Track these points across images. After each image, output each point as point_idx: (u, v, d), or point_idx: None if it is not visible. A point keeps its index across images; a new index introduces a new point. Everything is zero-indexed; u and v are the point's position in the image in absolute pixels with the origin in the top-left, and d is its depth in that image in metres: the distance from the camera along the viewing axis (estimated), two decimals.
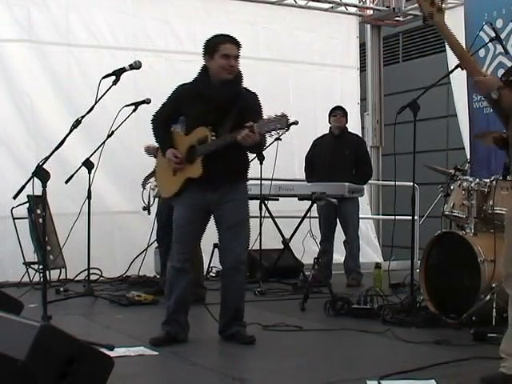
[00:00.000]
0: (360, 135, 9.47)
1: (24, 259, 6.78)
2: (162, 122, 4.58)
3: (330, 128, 7.57)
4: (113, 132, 6.18)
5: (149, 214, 6.75)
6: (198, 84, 4.49)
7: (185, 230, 4.45)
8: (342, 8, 9.70)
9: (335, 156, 7.30)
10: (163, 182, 4.75)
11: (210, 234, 4.75)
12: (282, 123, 4.09)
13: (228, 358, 4.21)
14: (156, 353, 4.15)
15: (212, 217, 4.53)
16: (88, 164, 6.15)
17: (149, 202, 6.64)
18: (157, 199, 6.58)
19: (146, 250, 7.37)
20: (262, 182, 6.76)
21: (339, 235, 7.57)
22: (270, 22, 9.12)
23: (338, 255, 7.81)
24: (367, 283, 6.50)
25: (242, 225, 4.47)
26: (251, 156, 4.76)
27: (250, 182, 5.11)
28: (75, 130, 4.84)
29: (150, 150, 6.29)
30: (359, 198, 7.47)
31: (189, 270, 4.50)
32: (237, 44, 4.42)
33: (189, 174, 4.42)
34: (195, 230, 4.50)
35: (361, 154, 7.54)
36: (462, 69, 5.29)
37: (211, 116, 4.36)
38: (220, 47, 4.36)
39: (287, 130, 7.27)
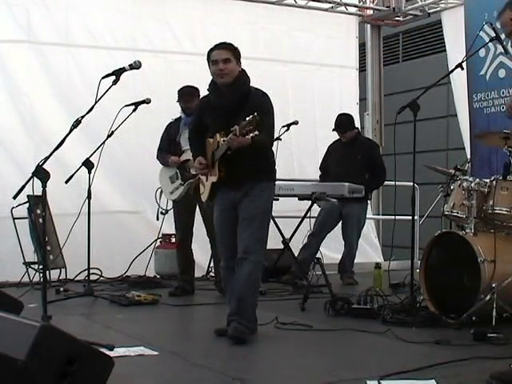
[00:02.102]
0: None
1: (24, 259, 6.77)
2: (195, 133, 4.91)
3: None
4: (113, 132, 6.17)
5: (157, 220, 6.95)
6: (209, 94, 4.72)
7: (220, 229, 4.69)
8: (342, 8, 9.69)
9: (347, 160, 7.32)
10: (203, 188, 4.88)
11: None
12: (253, 124, 4.18)
13: (228, 357, 4.21)
14: (156, 353, 4.14)
15: None
16: (88, 164, 6.14)
17: (158, 208, 6.85)
18: (170, 201, 6.75)
19: (145, 250, 7.38)
20: None
21: (334, 235, 7.57)
22: (270, 22, 9.11)
23: (336, 255, 7.81)
24: (367, 283, 6.48)
25: (256, 218, 4.53)
26: None
27: None
28: (75, 130, 4.85)
29: (168, 162, 6.54)
30: None
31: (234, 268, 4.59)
32: (225, 47, 4.57)
33: (211, 179, 4.63)
34: (229, 229, 4.61)
35: (374, 158, 7.52)
36: (462, 69, 5.32)
37: (220, 122, 4.54)
38: (210, 56, 4.58)
39: (287, 130, 7.38)
